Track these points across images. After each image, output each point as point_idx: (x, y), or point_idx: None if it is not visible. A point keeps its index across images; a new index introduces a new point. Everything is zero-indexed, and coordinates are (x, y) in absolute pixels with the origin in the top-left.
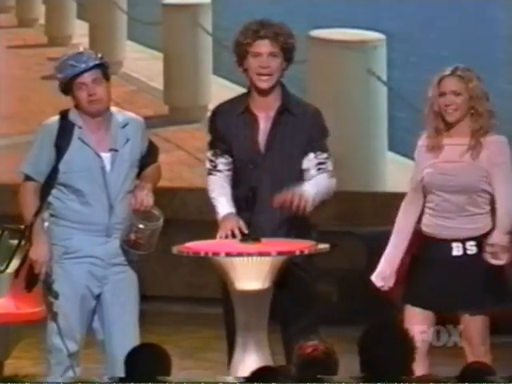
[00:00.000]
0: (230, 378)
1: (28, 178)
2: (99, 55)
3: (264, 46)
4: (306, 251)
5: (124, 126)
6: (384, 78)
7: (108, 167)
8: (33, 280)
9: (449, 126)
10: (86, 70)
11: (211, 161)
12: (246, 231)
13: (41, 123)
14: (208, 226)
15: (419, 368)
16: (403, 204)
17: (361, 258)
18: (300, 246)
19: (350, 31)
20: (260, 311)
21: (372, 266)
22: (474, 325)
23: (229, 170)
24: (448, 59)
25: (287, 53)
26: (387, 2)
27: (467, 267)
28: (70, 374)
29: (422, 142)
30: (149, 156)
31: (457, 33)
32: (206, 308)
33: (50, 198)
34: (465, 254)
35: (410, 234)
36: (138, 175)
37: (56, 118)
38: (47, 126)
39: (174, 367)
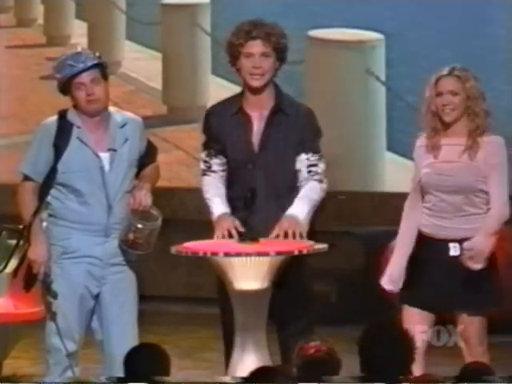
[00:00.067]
0: (228, 378)
1: (26, 177)
2: (97, 55)
3: (256, 47)
4: (305, 251)
5: (123, 126)
6: (383, 77)
7: (107, 167)
8: (31, 280)
9: (446, 126)
10: (84, 70)
11: (205, 161)
12: (241, 230)
13: (39, 123)
14: (206, 225)
15: (417, 368)
16: (406, 204)
17: (359, 258)
18: (298, 245)
19: (349, 31)
20: (258, 311)
21: (370, 265)
22: (471, 325)
23: (223, 170)
24: (447, 59)
25: (280, 52)
26: (386, 1)
27: (464, 268)
28: (69, 374)
29: (420, 142)
30: (147, 156)
31: (456, 33)
32: (204, 308)
33: (49, 198)
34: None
35: (415, 234)
36: (137, 175)
37: (54, 117)
38: (46, 125)
39: (173, 367)
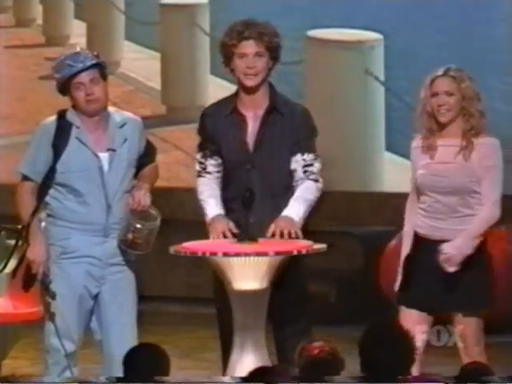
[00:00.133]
0: (226, 378)
1: (25, 177)
2: (96, 53)
3: (249, 47)
4: (304, 251)
5: (122, 126)
6: (381, 78)
7: (106, 167)
8: (30, 280)
9: (441, 127)
10: (83, 70)
11: (201, 163)
12: (236, 231)
13: (38, 123)
14: (205, 226)
15: (415, 368)
16: (407, 206)
17: (358, 258)
18: (297, 245)
19: (348, 31)
20: (257, 311)
21: (369, 265)
22: (467, 326)
23: (218, 171)
24: (446, 60)
25: (273, 52)
26: (385, 2)
27: (460, 269)
28: (68, 374)
29: (416, 143)
30: (146, 156)
31: (455, 33)
32: (203, 308)
33: (48, 198)
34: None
35: None
36: (136, 175)
37: (53, 117)
38: (45, 125)
39: (172, 367)
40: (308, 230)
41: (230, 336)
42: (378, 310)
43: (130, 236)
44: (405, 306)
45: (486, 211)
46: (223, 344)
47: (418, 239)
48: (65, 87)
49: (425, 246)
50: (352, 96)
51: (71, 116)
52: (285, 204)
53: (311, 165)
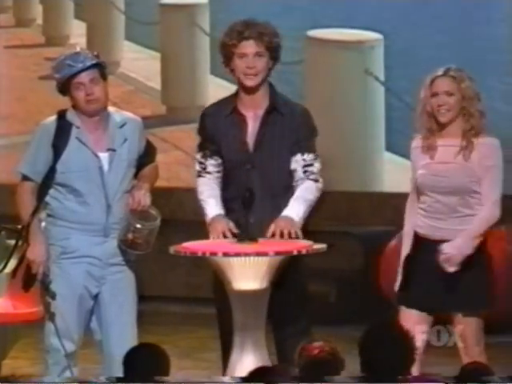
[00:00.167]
0: (226, 378)
1: (25, 177)
2: (95, 53)
3: (249, 47)
4: (304, 251)
5: (122, 126)
6: (381, 78)
7: (106, 167)
8: (30, 280)
9: (441, 127)
10: (83, 70)
11: (201, 163)
12: (236, 231)
13: (38, 123)
14: (205, 226)
15: (415, 368)
16: (407, 206)
17: (358, 258)
18: (297, 245)
19: (348, 31)
20: (257, 311)
21: (369, 265)
22: (467, 326)
23: (218, 171)
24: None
25: (273, 52)
26: (385, 1)
27: (460, 269)
28: (68, 374)
29: (416, 143)
30: (146, 156)
31: (455, 33)
32: (203, 308)
33: (48, 198)
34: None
35: None
36: (136, 175)
37: (53, 117)
38: (45, 125)
39: (172, 367)
40: (308, 229)
41: (229, 336)
42: (378, 310)
43: (130, 236)
44: (405, 306)
45: (486, 211)
46: (223, 344)
47: (418, 239)
48: (65, 87)
49: (425, 246)
50: (352, 96)
51: (71, 116)
52: (285, 204)
53: (311, 165)
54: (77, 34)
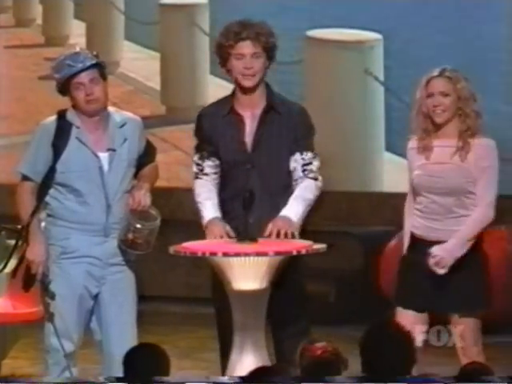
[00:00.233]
0: (226, 378)
1: (25, 177)
2: (95, 53)
3: (246, 48)
4: (304, 251)
5: (122, 126)
6: (381, 77)
7: (106, 167)
8: (30, 280)
9: (437, 128)
10: (83, 70)
11: (198, 164)
12: (232, 235)
13: (38, 123)
14: None
15: (415, 368)
16: (405, 206)
17: (357, 258)
18: (297, 245)
19: (347, 31)
20: (257, 311)
21: (369, 265)
22: (465, 326)
23: (216, 173)
24: (446, 59)
25: (269, 52)
26: (385, 1)
27: (456, 269)
28: (68, 374)
29: (412, 144)
30: (146, 156)
31: (455, 33)
32: (203, 308)
33: (48, 198)
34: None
35: None
36: (136, 175)
37: (53, 117)
38: (45, 125)
39: (172, 367)
40: (308, 229)
41: (228, 336)
42: (378, 310)
43: (130, 236)
44: (401, 306)
45: (480, 212)
46: (221, 344)
47: (415, 240)
48: (64, 87)
49: (421, 247)
50: (351, 96)
51: (71, 116)
52: (284, 203)
53: (310, 163)
54: (76, 34)
